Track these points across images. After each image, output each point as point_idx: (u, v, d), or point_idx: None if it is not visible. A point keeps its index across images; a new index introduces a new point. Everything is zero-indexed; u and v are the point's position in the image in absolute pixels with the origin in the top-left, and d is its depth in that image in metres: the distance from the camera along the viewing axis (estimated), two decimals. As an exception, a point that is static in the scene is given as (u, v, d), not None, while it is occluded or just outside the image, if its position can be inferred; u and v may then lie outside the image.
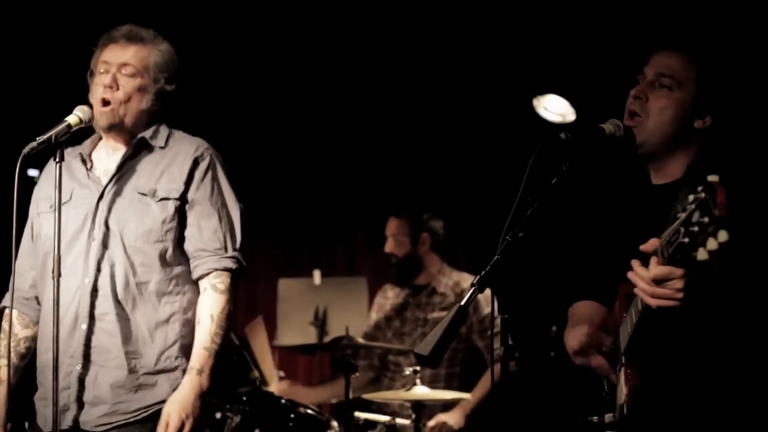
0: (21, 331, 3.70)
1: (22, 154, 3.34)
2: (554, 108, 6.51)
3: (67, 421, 3.47)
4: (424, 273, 5.92)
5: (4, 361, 3.63)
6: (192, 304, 3.59)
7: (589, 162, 2.95)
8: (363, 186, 7.32)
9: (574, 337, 3.12)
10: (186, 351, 3.55)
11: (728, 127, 3.08)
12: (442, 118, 6.98)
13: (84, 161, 3.66)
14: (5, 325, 3.67)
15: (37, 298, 3.69)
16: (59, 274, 3.35)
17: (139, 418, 3.49)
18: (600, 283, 3.23)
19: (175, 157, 3.64)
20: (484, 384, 5.59)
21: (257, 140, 7.09)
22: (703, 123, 3.02)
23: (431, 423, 5.40)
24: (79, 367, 3.48)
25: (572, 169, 2.91)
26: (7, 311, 3.68)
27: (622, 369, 2.95)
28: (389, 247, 5.97)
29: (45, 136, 3.37)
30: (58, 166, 3.40)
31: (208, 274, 3.58)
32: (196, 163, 3.63)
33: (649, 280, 2.62)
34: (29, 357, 3.69)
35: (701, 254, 2.35)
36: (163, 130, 3.69)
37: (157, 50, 3.64)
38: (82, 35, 3.69)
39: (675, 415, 2.92)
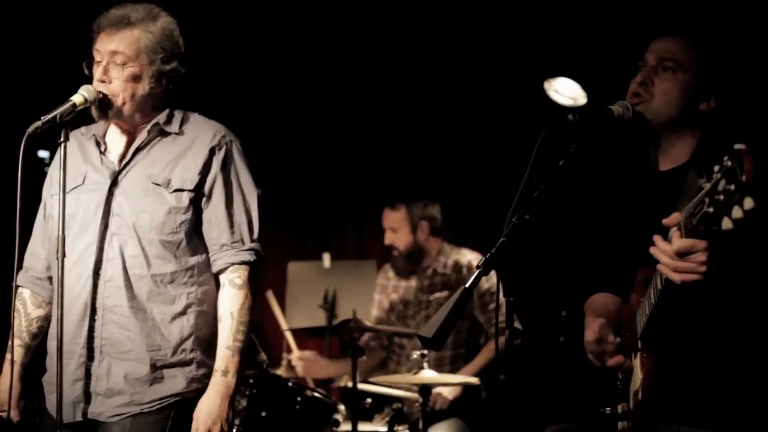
0: (34, 311, 3.68)
1: (27, 133, 3.30)
2: (565, 91, 6.47)
3: (79, 413, 3.44)
4: (426, 259, 5.91)
5: (18, 341, 3.62)
6: (207, 295, 3.54)
7: (597, 144, 2.93)
8: (373, 169, 7.28)
9: (590, 342, 3.08)
10: (201, 343, 3.51)
11: (731, 110, 3.07)
12: (453, 100, 6.94)
13: (98, 143, 3.60)
14: (18, 304, 3.66)
15: (50, 278, 3.65)
16: (63, 255, 3.31)
17: (153, 409, 3.45)
18: (609, 271, 3.22)
19: (191, 144, 3.57)
20: (482, 356, 5.59)
21: (267, 123, 7.06)
22: (708, 105, 3.04)
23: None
24: (89, 359, 3.45)
25: (580, 151, 2.89)
26: (20, 290, 3.68)
27: (638, 354, 2.94)
28: (389, 239, 5.96)
29: (50, 116, 3.33)
30: (63, 146, 3.36)
31: (226, 268, 3.53)
32: (212, 153, 3.55)
33: (672, 254, 2.60)
34: (41, 336, 3.66)
35: (726, 223, 2.34)
36: (177, 115, 3.61)
37: (148, 32, 3.50)
38: (89, 13, 3.62)
39: (693, 397, 2.90)
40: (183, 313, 3.49)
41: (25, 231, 3.64)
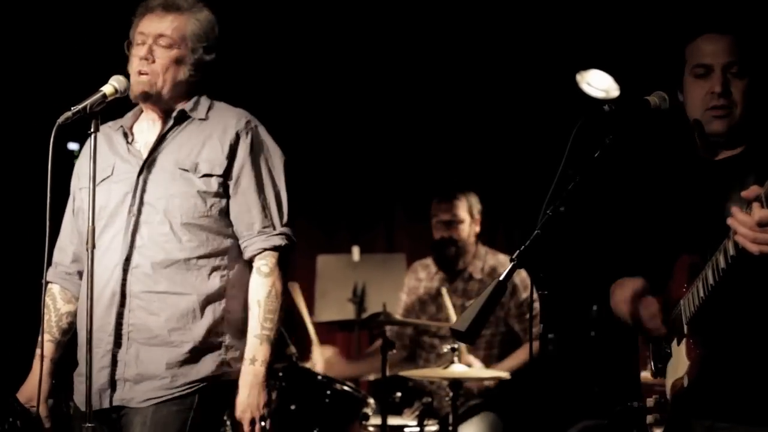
0: (63, 306, 3.67)
1: (57, 124, 3.29)
2: (598, 83, 6.43)
3: (107, 401, 3.43)
4: (463, 258, 5.82)
5: (47, 337, 3.61)
6: (239, 279, 3.53)
7: (633, 135, 2.90)
8: (402, 162, 7.27)
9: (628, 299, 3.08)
10: (231, 328, 3.50)
11: None
12: (484, 93, 6.92)
13: (125, 134, 3.60)
14: (48, 300, 3.66)
15: (80, 273, 3.64)
16: (93, 246, 3.31)
17: (183, 393, 3.44)
18: (645, 258, 3.18)
19: (216, 129, 3.56)
20: (516, 356, 5.54)
21: (295, 116, 7.05)
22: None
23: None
24: (117, 346, 3.44)
25: (616, 142, 2.86)
26: (49, 286, 3.67)
27: (683, 340, 2.91)
28: (454, 232, 5.75)
29: (80, 106, 3.32)
30: (93, 136, 3.36)
31: (256, 255, 3.52)
32: (238, 138, 3.55)
33: (753, 224, 2.58)
34: (71, 332, 3.65)
35: None
36: (204, 102, 3.62)
37: (195, 19, 3.54)
38: (120, 3, 3.62)
39: (736, 389, 2.89)
40: (217, 296, 3.49)
41: (55, 224, 3.63)
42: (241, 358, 3.49)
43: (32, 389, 3.52)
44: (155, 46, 3.50)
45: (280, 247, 3.53)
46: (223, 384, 3.48)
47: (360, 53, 6.85)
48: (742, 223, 2.61)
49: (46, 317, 3.63)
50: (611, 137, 2.86)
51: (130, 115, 3.63)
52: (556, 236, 2.76)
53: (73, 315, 3.65)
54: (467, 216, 5.79)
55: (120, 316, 3.44)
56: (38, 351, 3.56)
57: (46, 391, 3.57)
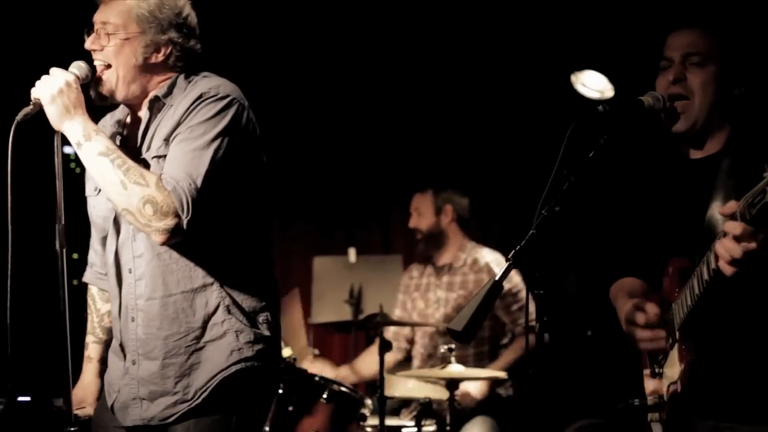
0: (103, 306, 3.56)
1: (16, 121, 3.08)
2: (592, 84, 6.45)
3: (131, 418, 3.29)
4: (447, 251, 5.91)
5: (92, 338, 3.54)
6: (225, 262, 3.24)
7: (627, 135, 2.91)
8: (398, 163, 7.28)
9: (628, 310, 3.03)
10: (233, 311, 3.23)
11: (761, 96, 3.06)
12: (480, 92, 6.93)
13: (120, 132, 3.38)
14: (89, 300, 3.58)
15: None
16: (63, 246, 3.11)
17: (200, 401, 3.22)
18: (642, 260, 3.18)
19: (180, 104, 3.23)
20: (508, 355, 5.57)
21: (291, 118, 7.07)
22: (739, 91, 3.01)
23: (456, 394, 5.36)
24: (132, 362, 3.29)
25: (610, 143, 2.87)
26: (89, 287, 3.59)
27: (676, 345, 2.91)
28: (413, 221, 6.03)
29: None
30: (57, 134, 3.13)
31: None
32: (188, 108, 3.18)
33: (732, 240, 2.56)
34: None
35: None
36: (181, 83, 3.29)
37: (142, 1, 3.23)
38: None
39: (734, 392, 2.88)
40: (202, 287, 3.23)
41: (50, 226, 3.43)
42: (255, 342, 3.24)
43: (81, 392, 3.47)
44: (101, 33, 3.25)
45: (181, 194, 3.08)
46: (248, 372, 3.24)
47: (357, 55, 6.86)
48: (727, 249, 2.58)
49: (88, 318, 3.56)
50: (606, 137, 2.86)
51: (122, 107, 3.40)
52: (551, 236, 2.77)
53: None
54: (427, 207, 6.00)
55: (133, 331, 3.28)
56: (86, 353, 3.52)
57: (95, 393, 3.49)
